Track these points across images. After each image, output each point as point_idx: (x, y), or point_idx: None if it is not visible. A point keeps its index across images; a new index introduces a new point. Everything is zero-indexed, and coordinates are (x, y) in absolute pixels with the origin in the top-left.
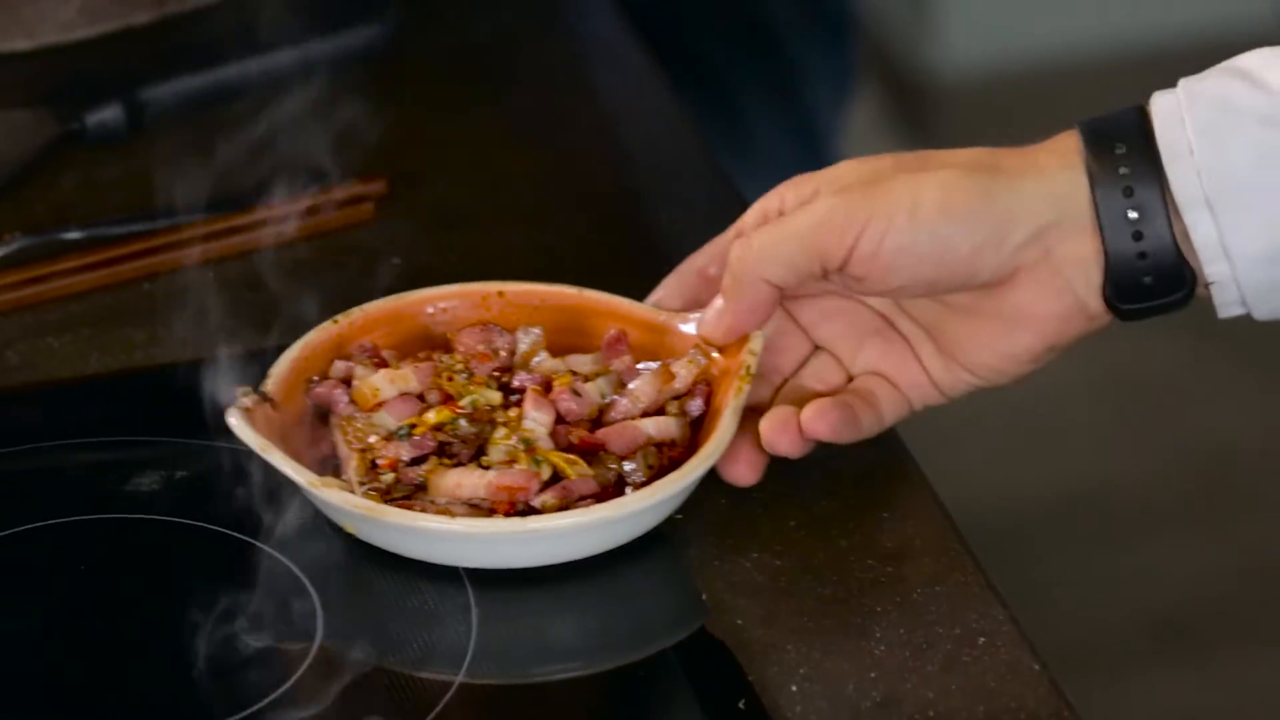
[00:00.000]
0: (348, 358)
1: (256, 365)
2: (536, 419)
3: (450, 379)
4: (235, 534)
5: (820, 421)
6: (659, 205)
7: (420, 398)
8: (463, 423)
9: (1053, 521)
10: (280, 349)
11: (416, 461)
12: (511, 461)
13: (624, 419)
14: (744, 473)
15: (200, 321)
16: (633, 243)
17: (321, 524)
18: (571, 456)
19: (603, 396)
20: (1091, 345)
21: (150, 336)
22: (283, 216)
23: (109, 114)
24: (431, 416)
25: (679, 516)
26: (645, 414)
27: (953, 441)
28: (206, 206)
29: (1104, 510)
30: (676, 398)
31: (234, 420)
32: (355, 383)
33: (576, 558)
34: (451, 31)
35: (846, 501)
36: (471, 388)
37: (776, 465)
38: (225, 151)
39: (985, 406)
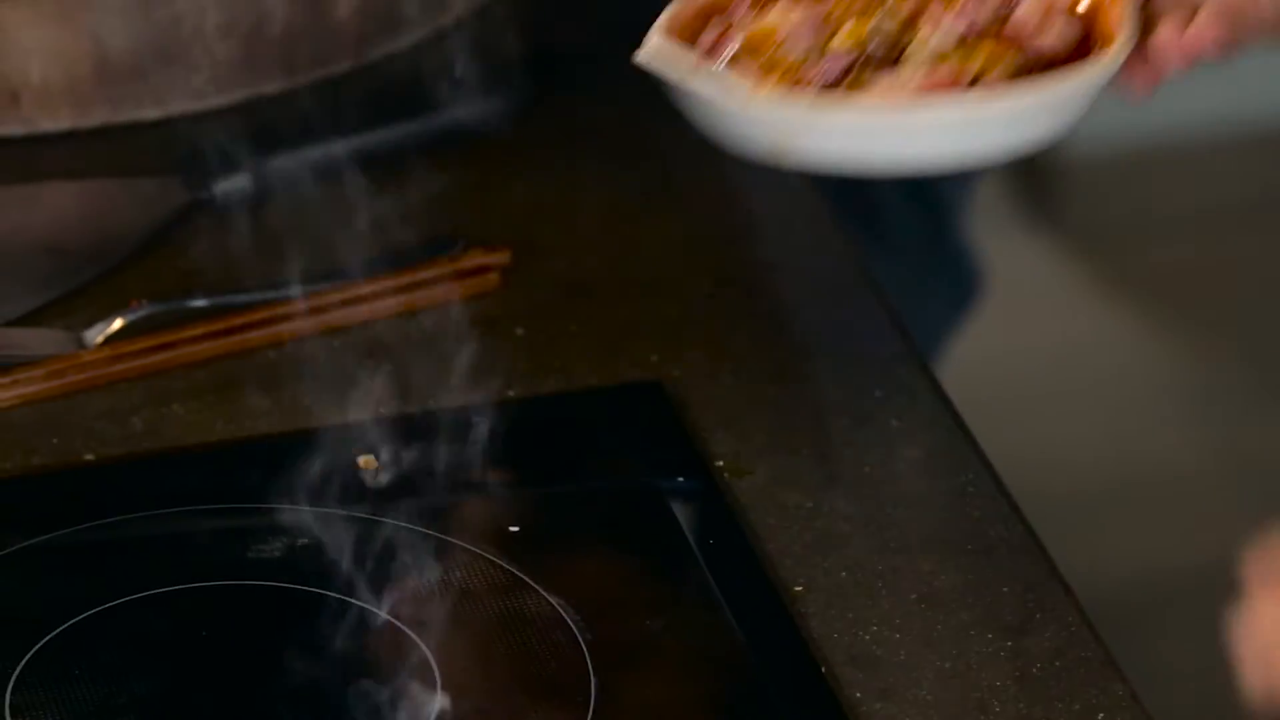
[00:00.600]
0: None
1: (380, 433)
2: (947, 28)
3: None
4: (357, 602)
5: (1204, 31)
6: (783, 276)
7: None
8: (880, 29)
9: (1175, 597)
10: (403, 418)
11: (832, 85)
12: (936, 63)
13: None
14: (1143, 81)
15: (323, 389)
16: (758, 313)
17: (441, 592)
18: (1004, 42)
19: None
20: (1219, 422)
21: (274, 404)
22: (407, 286)
23: (237, 183)
24: (843, 33)
25: (798, 589)
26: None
27: (1075, 515)
28: (331, 275)
29: (1228, 587)
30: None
31: (651, 45)
32: (748, 28)
33: (1015, 148)
34: (578, 103)
35: (966, 575)
36: (873, 6)
37: (895, 535)
38: (351, 221)
39: (1109, 480)
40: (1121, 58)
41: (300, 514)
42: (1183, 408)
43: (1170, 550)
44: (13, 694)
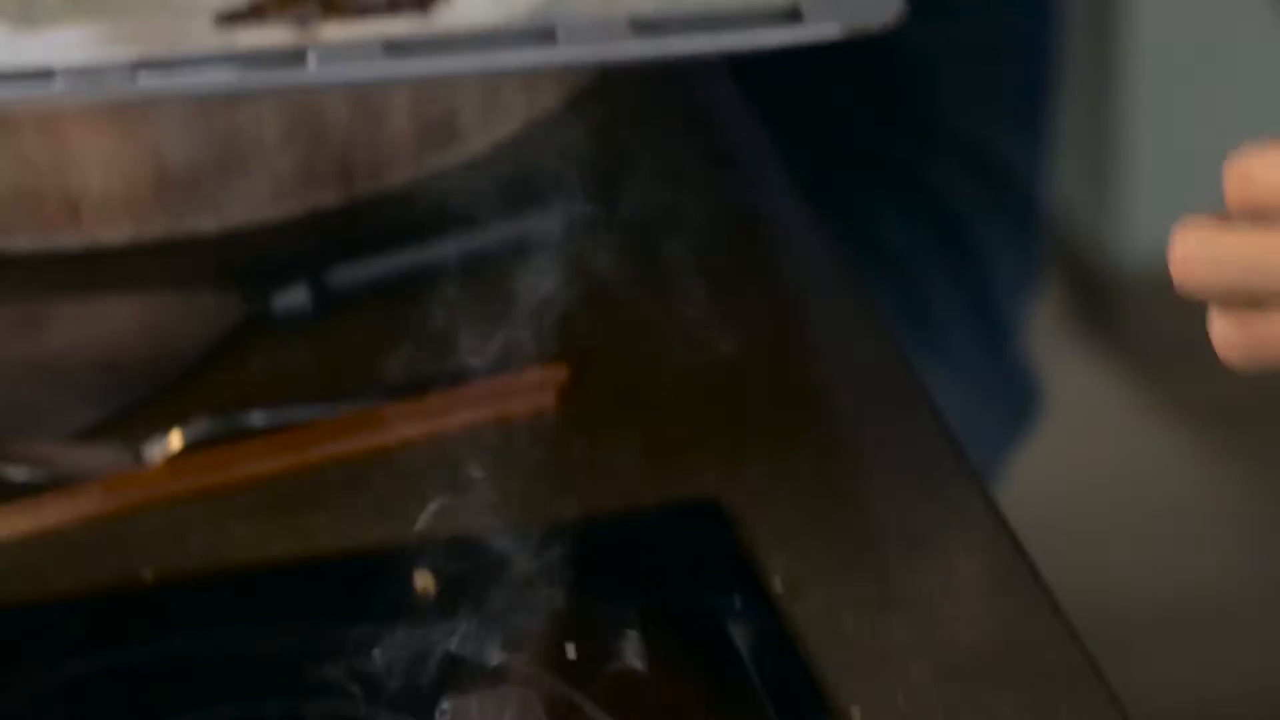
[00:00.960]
0: None
1: (437, 552)
2: None
3: None
4: None
5: None
6: (841, 393)
7: None
8: None
9: None
10: (460, 537)
11: None
12: None
13: None
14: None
15: (381, 507)
16: (815, 431)
17: (498, 715)
18: None
19: None
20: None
21: (332, 522)
22: (465, 402)
23: (295, 297)
24: None
25: (856, 714)
26: None
27: (1134, 639)
28: (389, 392)
29: None
30: None
31: None
32: None
33: None
34: (635, 216)
35: (1025, 701)
36: None
37: (953, 660)
38: (408, 337)
39: (1167, 604)
40: None
41: (357, 634)
42: (1243, 534)
43: (1227, 679)
44: None
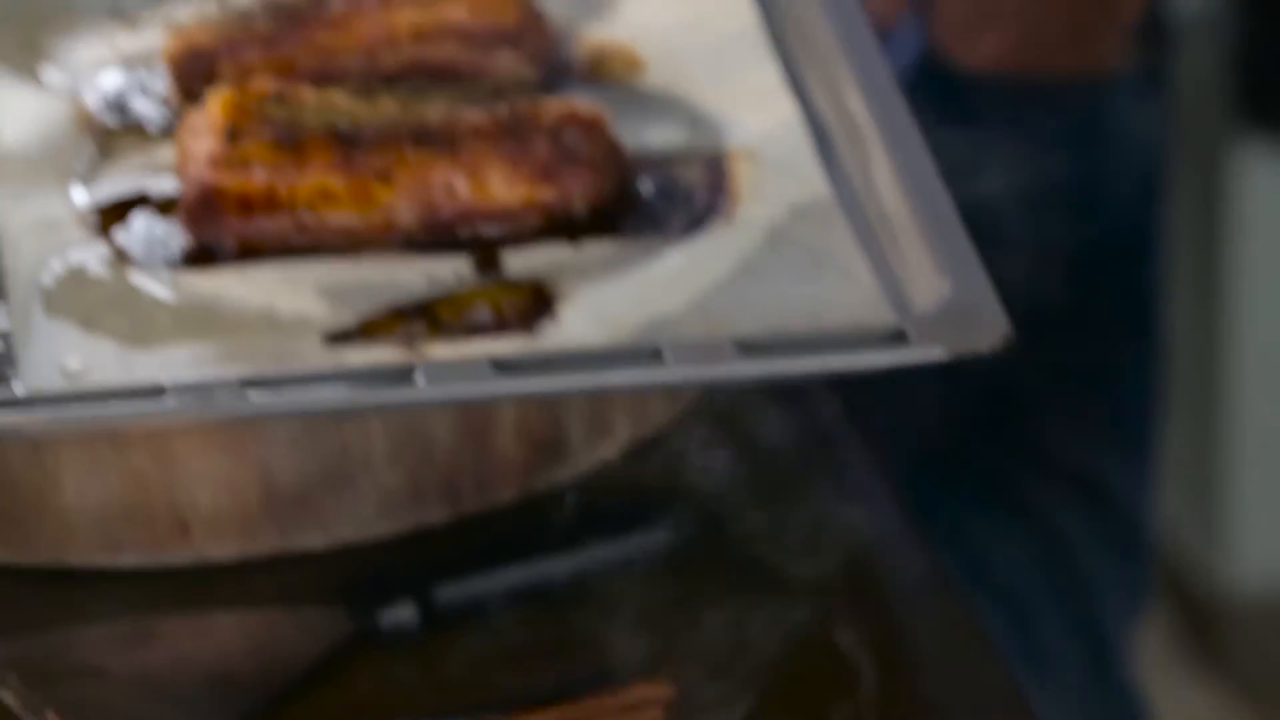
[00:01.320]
0: None
1: None
2: None
3: None
4: None
5: None
6: (947, 715)
7: None
8: None
9: None
10: None
11: None
12: None
13: None
14: None
15: None
16: None
17: None
18: None
19: None
20: None
21: None
22: (572, 719)
23: (403, 613)
24: None
25: None
26: None
27: None
28: (497, 709)
29: None
30: None
31: None
32: None
33: None
34: (743, 537)
35: None
36: None
37: None
38: (515, 653)
39: None
40: None
41: None
42: None
43: None
44: None
